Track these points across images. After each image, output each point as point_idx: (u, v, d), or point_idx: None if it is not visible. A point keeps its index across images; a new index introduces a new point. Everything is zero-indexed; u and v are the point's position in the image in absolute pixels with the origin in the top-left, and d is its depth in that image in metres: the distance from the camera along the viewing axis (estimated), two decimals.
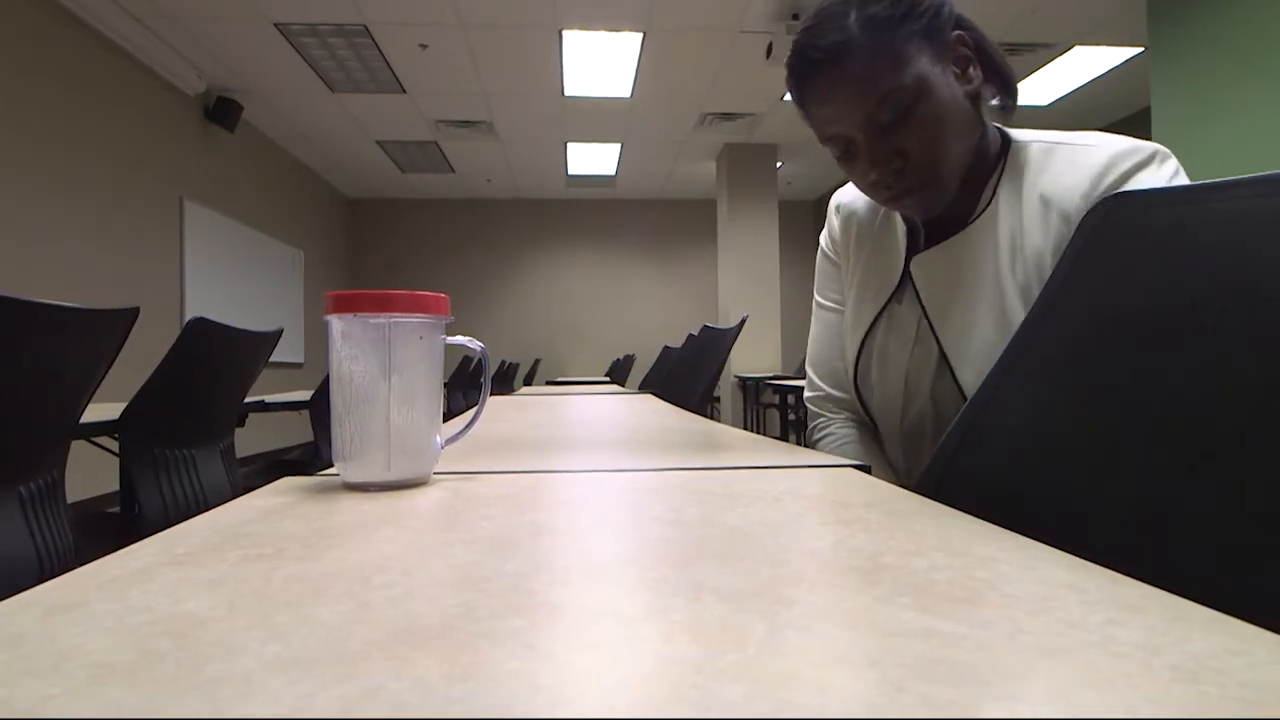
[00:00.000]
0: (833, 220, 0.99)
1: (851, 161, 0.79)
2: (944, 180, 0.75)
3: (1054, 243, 0.73)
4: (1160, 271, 0.46)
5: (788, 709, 0.18)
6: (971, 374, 0.76)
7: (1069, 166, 0.74)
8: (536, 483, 0.54)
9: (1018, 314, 0.73)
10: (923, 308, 0.82)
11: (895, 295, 0.87)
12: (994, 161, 0.81)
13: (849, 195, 0.97)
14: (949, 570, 0.31)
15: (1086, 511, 0.48)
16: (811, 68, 0.75)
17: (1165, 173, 0.70)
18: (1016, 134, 0.82)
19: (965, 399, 0.71)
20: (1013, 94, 0.78)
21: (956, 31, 0.75)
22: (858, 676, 0.20)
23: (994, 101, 0.79)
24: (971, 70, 0.76)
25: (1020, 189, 0.77)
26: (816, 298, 1.04)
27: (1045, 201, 0.74)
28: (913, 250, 0.86)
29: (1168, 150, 0.72)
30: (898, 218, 0.89)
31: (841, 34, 0.72)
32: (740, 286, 6.81)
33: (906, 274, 0.86)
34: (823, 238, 1.02)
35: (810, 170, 7.94)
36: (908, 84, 0.71)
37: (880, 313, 0.88)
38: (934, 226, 0.84)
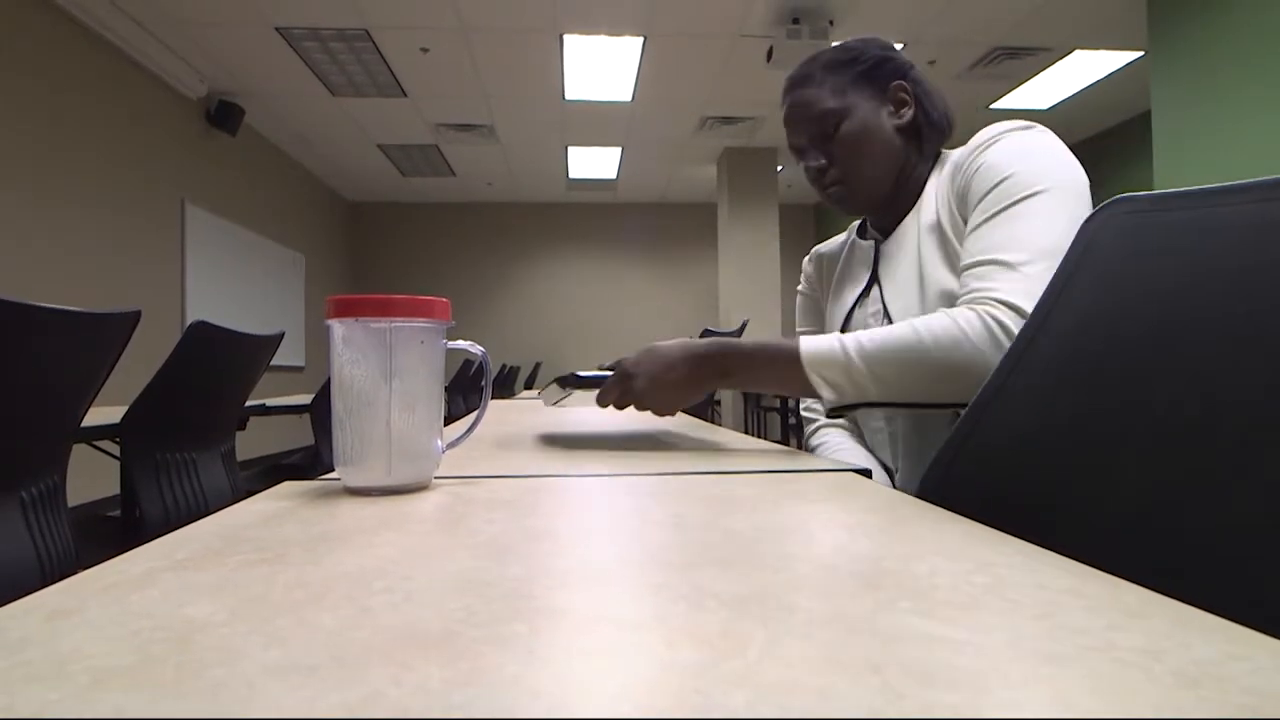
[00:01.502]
0: (807, 268, 1.19)
1: (803, 163, 1.00)
2: (855, 183, 0.96)
3: (952, 193, 0.88)
4: (1159, 277, 0.46)
5: (789, 715, 0.18)
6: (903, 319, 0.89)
7: (966, 148, 0.89)
8: (537, 487, 0.54)
9: (932, 261, 0.88)
10: (879, 285, 0.98)
11: (866, 290, 1.01)
12: (923, 169, 0.98)
13: (821, 248, 1.18)
14: (950, 575, 0.31)
15: (1087, 516, 0.48)
16: (785, 92, 1.00)
17: (1031, 134, 0.83)
18: (951, 150, 0.98)
19: None
20: (943, 132, 0.97)
21: (897, 81, 0.95)
22: (859, 682, 0.20)
23: (925, 136, 0.97)
24: (905, 110, 0.95)
25: (939, 176, 0.94)
26: (798, 330, 1.19)
27: (953, 168, 0.89)
28: (879, 254, 1.02)
29: (1041, 128, 0.84)
30: (860, 242, 1.06)
31: (808, 69, 0.97)
32: (741, 290, 6.82)
33: (874, 274, 1.01)
34: (801, 285, 1.22)
35: None
36: (837, 108, 0.94)
37: (854, 305, 1.02)
38: (890, 230, 1.00)
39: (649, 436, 0.94)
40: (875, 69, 0.95)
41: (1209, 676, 0.21)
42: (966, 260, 0.79)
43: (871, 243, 1.03)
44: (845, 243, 1.12)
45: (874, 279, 1.00)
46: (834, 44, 1.00)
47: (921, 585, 0.29)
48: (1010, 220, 0.76)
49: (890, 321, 0.93)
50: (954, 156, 0.91)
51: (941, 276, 0.86)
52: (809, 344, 0.77)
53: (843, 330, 1.03)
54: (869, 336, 0.75)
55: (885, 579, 0.30)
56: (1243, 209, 0.42)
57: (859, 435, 1.03)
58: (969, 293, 0.75)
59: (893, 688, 0.20)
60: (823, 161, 0.96)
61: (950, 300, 0.82)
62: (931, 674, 0.21)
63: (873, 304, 1.00)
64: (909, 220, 0.96)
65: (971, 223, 0.81)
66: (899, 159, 0.96)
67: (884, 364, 0.73)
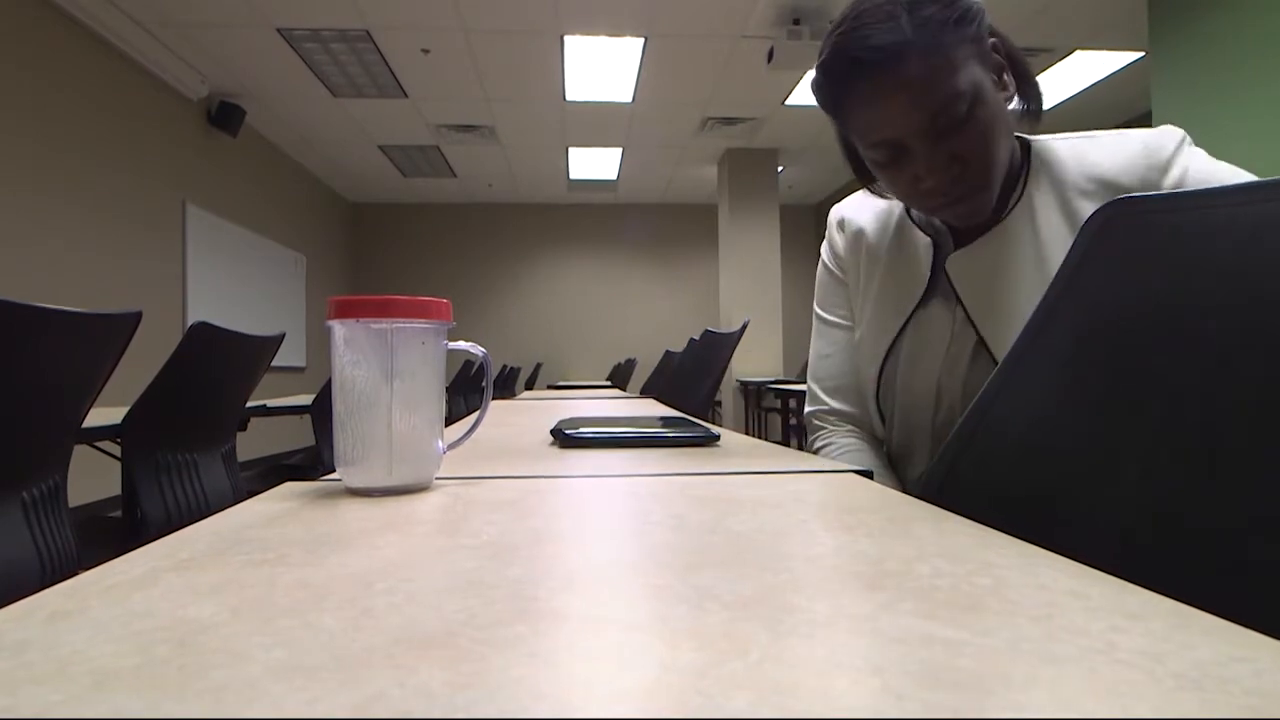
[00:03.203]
0: (835, 236, 0.98)
1: (898, 167, 0.76)
2: (993, 186, 0.76)
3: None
4: (1163, 276, 0.46)
5: (791, 716, 0.18)
6: None
7: (1111, 152, 0.77)
8: (539, 488, 0.54)
9: None
10: (962, 305, 0.83)
11: (921, 302, 0.88)
12: (1018, 162, 0.82)
13: (851, 211, 0.97)
14: (951, 577, 0.31)
15: (1089, 517, 0.48)
16: (859, 70, 0.72)
17: (1193, 151, 0.74)
18: (1031, 136, 0.84)
19: None
20: (1039, 101, 0.79)
21: (993, 39, 0.75)
22: (860, 684, 0.20)
23: (1015, 106, 0.79)
24: (1006, 77, 0.76)
25: (1052, 181, 0.79)
26: (819, 311, 1.03)
27: (1098, 182, 0.76)
28: (939, 254, 0.87)
29: (1180, 131, 0.76)
30: (914, 228, 0.90)
31: (896, 35, 0.69)
32: (742, 290, 6.82)
33: (935, 278, 0.87)
34: (825, 251, 1.01)
35: (811, 175, 7.95)
36: (965, 89, 0.70)
37: (908, 319, 0.89)
38: (960, 229, 0.85)
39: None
40: (980, 26, 0.72)
41: (1211, 678, 0.21)
42: None
43: (929, 241, 0.87)
44: (888, 222, 0.92)
45: (941, 294, 0.85)
46: None
47: (923, 586, 0.29)
48: None
49: (994, 362, 0.77)
50: (1094, 163, 0.77)
51: None
52: None
53: (890, 349, 0.89)
54: None
55: (887, 580, 0.30)
56: (1243, 209, 0.42)
57: (868, 440, 0.97)
58: None
59: (894, 689, 0.20)
60: (954, 166, 0.73)
61: None
62: (933, 675, 0.21)
63: (938, 322, 0.84)
64: (1013, 225, 0.79)
65: None
66: (1012, 141, 0.78)
67: None
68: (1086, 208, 0.76)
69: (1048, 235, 0.78)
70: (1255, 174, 0.56)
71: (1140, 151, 0.75)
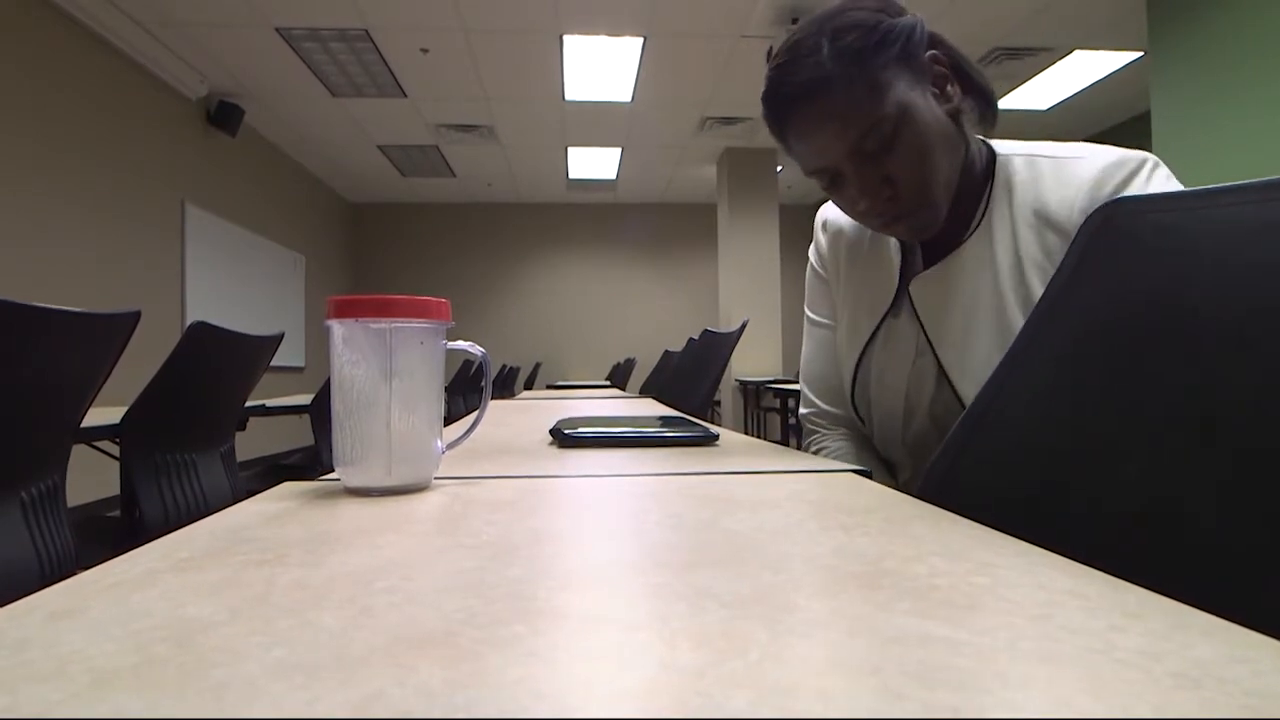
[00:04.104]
0: (820, 237, 1.00)
1: (840, 191, 0.79)
2: (935, 203, 0.76)
3: (1050, 256, 0.74)
4: (1160, 277, 0.46)
5: (790, 715, 0.18)
6: (973, 388, 0.76)
7: (1060, 181, 0.75)
8: (538, 487, 0.54)
9: (1019, 326, 0.73)
10: (921, 326, 0.83)
11: (892, 310, 0.88)
12: (983, 175, 0.81)
13: (834, 211, 0.97)
14: (949, 576, 0.31)
15: (1087, 517, 0.48)
16: (788, 104, 0.75)
17: (1157, 181, 0.71)
18: (1000, 146, 0.82)
19: None
20: (993, 107, 0.79)
21: (931, 51, 0.76)
22: (859, 683, 0.20)
23: (973, 114, 0.79)
24: (950, 88, 0.76)
25: (1011, 203, 0.78)
26: (808, 312, 1.04)
27: (1040, 217, 0.75)
28: (908, 264, 0.87)
29: (1156, 159, 0.72)
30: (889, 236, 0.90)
31: (817, 69, 0.72)
32: (741, 290, 6.82)
33: (903, 290, 0.86)
34: (811, 253, 1.03)
35: None
36: (889, 112, 0.71)
37: (878, 327, 0.89)
38: (929, 242, 0.84)
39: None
40: (907, 44, 0.73)
41: (1210, 678, 0.21)
42: None
43: (898, 245, 0.87)
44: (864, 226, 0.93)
45: (908, 309, 0.84)
46: (820, 16, 0.74)
47: (921, 586, 0.29)
48: None
49: (959, 400, 0.77)
50: (1040, 192, 0.75)
51: None
52: None
53: (856, 369, 0.89)
54: None
55: (885, 579, 0.30)
56: (1242, 209, 0.42)
57: (862, 441, 0.97)
58: None
59: (892, 688, 0.20)
60: (886, 189, 0.74)
61: None
62: (931, 675, 0.21)
63: (903, 336, 0.84)
64: (968, 254, 0.79)
65: None
66: (961, 152, 0.77)
67: None
68: (1029, 241, 0.75)
69: (1002, 263, 0.77)
70: (1256, 173, 0.56)
71: (1091, 181, 0.73)
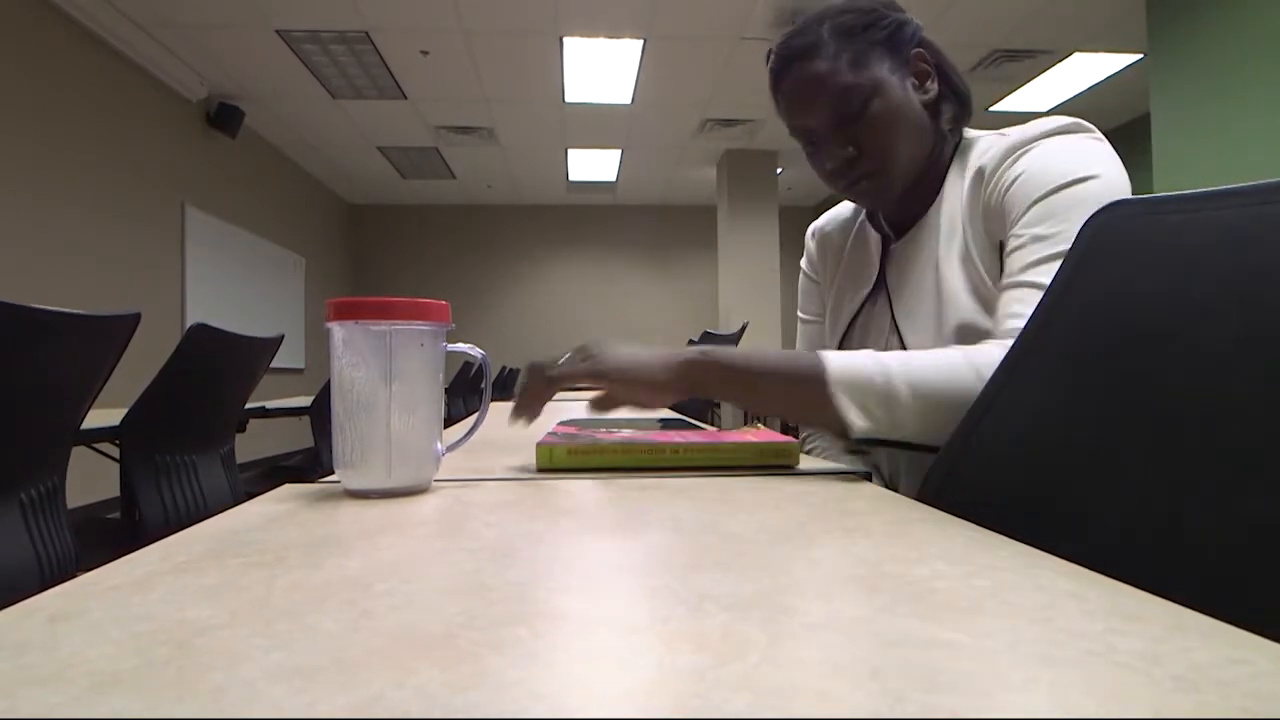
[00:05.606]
0: (810, 244, 1.08)
1: (813, 152, 0.87)
2: (891, 174, 0.82)
3: (980, 208, 0.79)
4: (1159, 280, 0.46)
5: (790, 718, 0.18)
6: (918, 347, 0.80)
7: (998, 142, 0.80)
8: (537, 489, 0.55)
9: (954, 285, 0.79)
10: (890, 305, 0.88)
11: (871, 295, 0.92)
12: (946, 159, 0.88)
13: (822, 222, 1.06)
14: (949, 579, 0.31)
15: (1086, 520, 0.48)
16: (783, 65, 0.84)
17: (1076, 139, 0.74)
18: (972, 133, 0.88)
19: None
20: (966, 107, 0.86)
21: (918, 49, 0.84)
22: (859, 686, 0.20)
23: (948, 113, 0.86)
24: (929, 84, 0.84)
25: (963, 174, 0.84)
26: (800, 315, 1.11)
27: (978, 176, 0.80)
28: (888, 253, 0.93)
29: (1092, 130, 0.75)
30: (870, 229, 0.95)
31: (813, 36, 0.82)
32: (740, 292, 6.82)
33: (882, 275, 0.91)
34: (803, 262, 1.11)
35: (810, 176, 7.95)
36: (864, 84, 0.80)
37: (858, 312, 0.94)
38: (903, 227, 0.90)
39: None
40: (896, 34, 0.82)
41: (1209, 680, 0.21)
42: (1007, 279, 0.71)
43: (880, 237, 0.93)
44: (852, 223, 1.01)
45: (882, 282, 0.91)
46: (832, 5, 0.84)
47: (921, 588, 0.29)
48: (1056, 241, 0.68)
49: (903, 344, 0.84)
50: (979, 157, 0.81)
51: (963, 305, 0.77)
52: (838, 361, 0.64)
53: (843, 339, 0.96)
54: (914, 364, 0.63)
55: (885, 582, 0.30)
56: (1240, 212, 0.42)
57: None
58: (1012, 317, 0.67)
59: (892, 691, 0.20)
60: (850, 150, 0.81)
61: (971, 335, 0.73)
62: (931, 677, 0.21)
63: (880, 314, 0.90)
64: (927, 223, 0.85)
65: (1011, 244, 0.72)
66: (929, 141, 0.84)
67: (934, 400, 0.62)
68: (970, 200, 0.81)
69: (945, 229, 0.83)
70: (1255, 175, 0.56)
71: (1013, 141, 0.77)
